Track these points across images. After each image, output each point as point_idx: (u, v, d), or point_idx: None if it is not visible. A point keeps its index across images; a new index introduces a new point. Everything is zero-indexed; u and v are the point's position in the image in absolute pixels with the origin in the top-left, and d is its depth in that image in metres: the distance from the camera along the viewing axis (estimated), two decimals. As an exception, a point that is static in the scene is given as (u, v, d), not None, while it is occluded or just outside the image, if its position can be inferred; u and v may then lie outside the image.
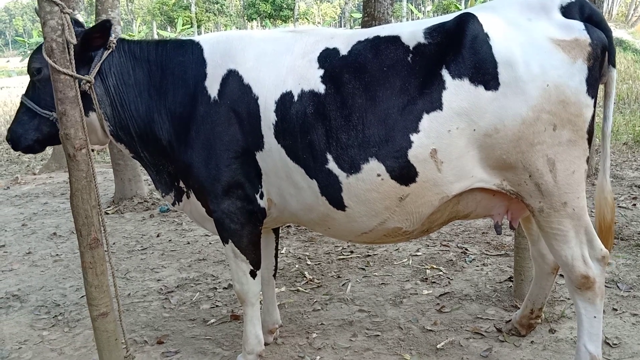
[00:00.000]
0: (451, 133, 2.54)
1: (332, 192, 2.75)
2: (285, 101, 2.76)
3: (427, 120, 2.56)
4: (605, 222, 2.80)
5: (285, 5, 56.68)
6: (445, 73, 2.56)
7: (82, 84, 2.80)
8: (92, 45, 2.89)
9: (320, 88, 2.72)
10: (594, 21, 2.56)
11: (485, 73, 2.50)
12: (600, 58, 2.55)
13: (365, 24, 6.78)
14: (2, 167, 10.65)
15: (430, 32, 2.67)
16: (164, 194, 3.20)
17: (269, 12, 56.17)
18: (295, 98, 2.74)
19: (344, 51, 2.78)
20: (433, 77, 2.58)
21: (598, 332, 2.78)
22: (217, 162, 2.86)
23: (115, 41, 3.00)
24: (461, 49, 2.55)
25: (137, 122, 3.02)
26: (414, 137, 2.58)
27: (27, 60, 3.09)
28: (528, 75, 2.47)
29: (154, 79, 3.01)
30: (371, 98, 2.65)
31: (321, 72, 2.75)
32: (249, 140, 2.83)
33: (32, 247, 5.86)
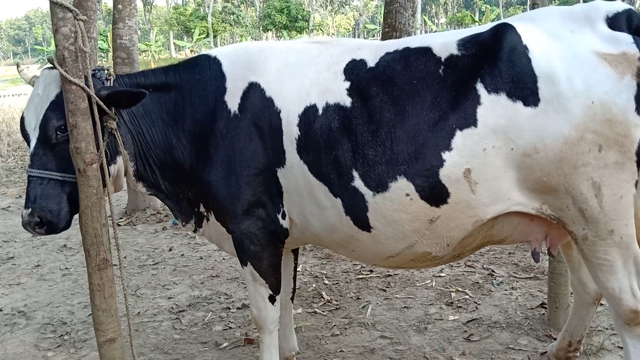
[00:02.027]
0: (486, 152, 2.37)
1: (357, 212, 2.57)
2: (309, 115, 2.61)
3: (461, 138, 2.40)
4: None
5: (300, 17, 57.10)
6: (480, 87, 2.40)
7: (106, 126, 2.64)
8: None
9: (346, 101, 2.56)
10: None
11: (523, 88, 2.34)
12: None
13: (385, 35, 6.65)
14: (16, 175, 10.52)
15: (464, 43, 2.51)
16: (184, 223, 3.01)
17: (284, 23, 56.59)
18: (320, 112, 2.59)
19: (371, 63, 2.63)
20: (467, 91, 2.42)
21: (649, 372, 2.55)
22: (237, 180, 2.69)
23: (111, 72, 2.80)
24: (497, 61, 2.39)
25: (155, 152, 2.85)
26: (445, 155, 2.41)
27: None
28: (571, 91, 2.29)
29: (166, 104, 2.84)
30: (400, 112, 2.49)
31: (347, 84, 2.60)
32: (270, 156, 2.67)
33: (41, 259, 5.71)
